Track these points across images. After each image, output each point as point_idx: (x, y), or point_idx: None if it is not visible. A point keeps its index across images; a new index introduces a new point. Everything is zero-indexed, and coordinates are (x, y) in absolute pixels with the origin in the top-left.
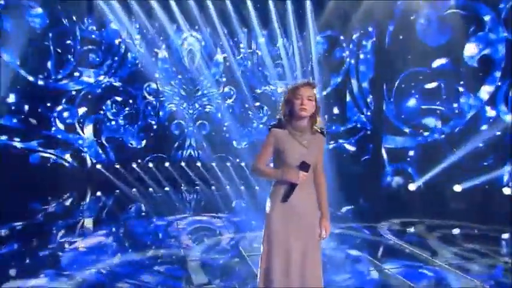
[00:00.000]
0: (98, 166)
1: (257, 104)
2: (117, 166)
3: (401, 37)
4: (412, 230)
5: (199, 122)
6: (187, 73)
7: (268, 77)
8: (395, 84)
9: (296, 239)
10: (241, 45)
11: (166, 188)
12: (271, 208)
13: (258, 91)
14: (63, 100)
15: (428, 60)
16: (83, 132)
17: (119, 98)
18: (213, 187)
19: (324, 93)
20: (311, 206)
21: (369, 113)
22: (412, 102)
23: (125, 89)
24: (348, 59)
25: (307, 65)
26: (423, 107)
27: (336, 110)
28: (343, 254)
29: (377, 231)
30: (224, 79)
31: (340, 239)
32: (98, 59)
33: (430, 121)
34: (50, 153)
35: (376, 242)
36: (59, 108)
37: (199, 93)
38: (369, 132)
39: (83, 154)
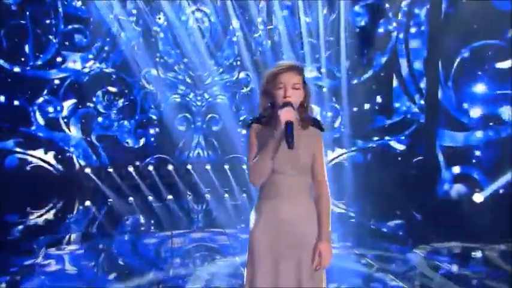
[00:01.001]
0: (87, 170)
1: None
2: (110, 170)
3: (464, 0)
4: (479, 255)
5: (209, 115)
6: (194, 56)
7: (293, 59)
8: (456, 64)
9: (286, 263)
10: (259, 21)
11: (169, 197)
12: (255, 224)
13: None
14: (45, 91)
15: (501, 30)
16: (69, 130)
17: (111, 88)
18: (225, 195)
19: (366, 76)
20: (307, 224)
21: (422, 102)
22: (479, 88)
23: (119, 77)
24: (395, 34)
25: (341, 43)
26: (494, 92)
27: (379, 99)
28: None
29: (432, 256)
30: (239, 63)
31: (384, 263)
32: (85, 40)
33: (504, 111)
34: (29, 155)
35: (433, 267)
36: (40, 100)
37: (209, 80)
38: (421, 127)
39: (68, 155)
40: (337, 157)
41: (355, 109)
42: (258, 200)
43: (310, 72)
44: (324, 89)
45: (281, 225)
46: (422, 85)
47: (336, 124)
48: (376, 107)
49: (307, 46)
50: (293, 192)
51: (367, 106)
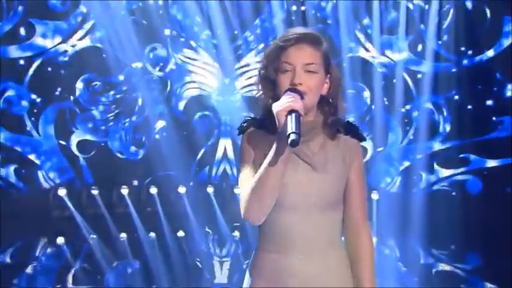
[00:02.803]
0: (61, 192)
1: None
2: (95, 192)
3: None
4: None
5: (242, 114)
6: (220, 27)
7: (362, 38)
8: None
9: None
10: None
11: (180, 234)
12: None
13: (350, 55)
14: (4, 77)
15: None
16: (38, 132)
17: (99, 75)
18: None
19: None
20: (336, 282)
21: None
22: None
23: (111, 58)
24: None
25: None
26: None
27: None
28: None
29: None
30: None
31: None
32: (61, 6)
33: None
34: None
35: None
36: None
37: (242, 63)
38: None
39: (35, 170)
40: (438, 181)
41: (469, 107)
42: (255, 252)
43: (399, 54)
44: (419, 76)
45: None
46: None
47: (440, 129)
48: (503, 103)
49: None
50: (312, 241)
51: (489, 102)
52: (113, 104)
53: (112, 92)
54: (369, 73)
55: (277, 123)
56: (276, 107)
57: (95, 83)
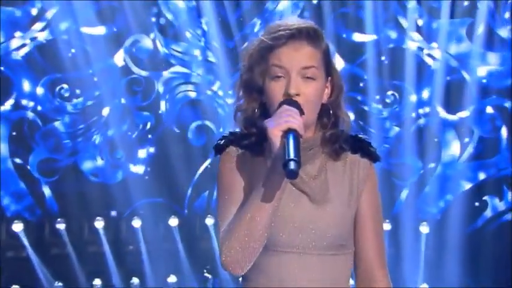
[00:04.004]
0: (17, 227)
1: None
2: (60, 226)
3: None
4: None
5: None
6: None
7: (407, 24)
8: None
9: None
10: None
11: (171, 279)
12: None
13: (391, 46)
14: None
15: None
16: None
17: (65, 75)
18: None
19: None
20: None
21: None
22: None
23: (79, 53)
24: None
25: None
26: None
27: None
28: None
29: None
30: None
31: None
32: None
33: None
34: None
35: None
36: None
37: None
38: None
39: None
40: (509, 209)
41: None
42: (243, 281)
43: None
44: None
45: None
46: None
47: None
48: None
49: None
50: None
51: None
52: (83, 114)
53: (81, 98)
54: (416, 70)
55: (270, 145)
56: (270, 125)
57: (59, 87)
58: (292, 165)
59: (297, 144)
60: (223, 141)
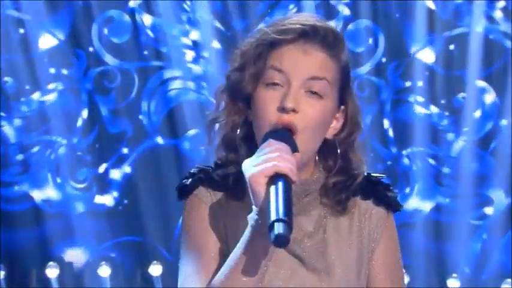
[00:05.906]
0: None
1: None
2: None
3: None
4: None
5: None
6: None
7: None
8: None
9: None
10: None
11: None
12: None
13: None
14: None
15: None
16: None
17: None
18: None
19: None
20: None
21: None
22: None
23: (32, 33)
24: None
25: None
26: None
27: None
28: None
29: None
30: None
31: None
32: None
33: None
34: None
35: None
36: None
37: None
38: None
39: None
40: None
41: None
42: None
43: None
44: None
45: None
46: None
47: None
48: None
49: None
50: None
51: None
52: (38, 117)
53: (37, 95)
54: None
55: (250, 195)
56: (251, 170)
57: (5, 80)
58: (280, 228)
59: (288, 195)
60: (189, 180)
